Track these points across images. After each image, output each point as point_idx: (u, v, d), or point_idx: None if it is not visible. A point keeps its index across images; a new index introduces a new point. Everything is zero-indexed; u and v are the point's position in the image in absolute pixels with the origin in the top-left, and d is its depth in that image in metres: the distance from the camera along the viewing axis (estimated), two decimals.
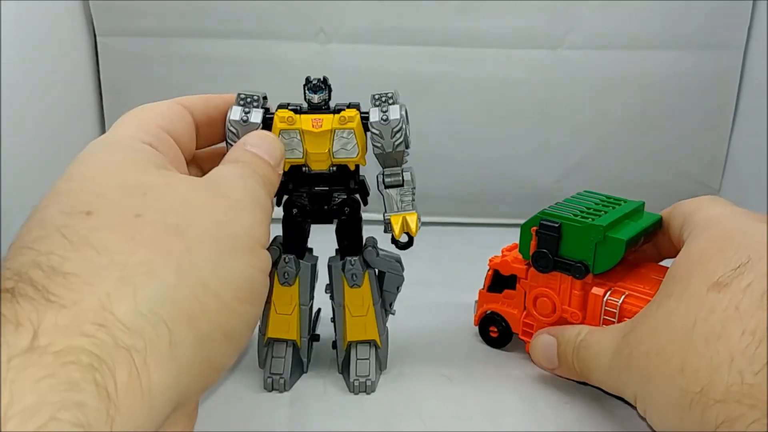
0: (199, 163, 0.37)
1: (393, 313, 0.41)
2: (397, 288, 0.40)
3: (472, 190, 0.66)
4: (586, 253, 0.38)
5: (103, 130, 0.64)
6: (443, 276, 0.53)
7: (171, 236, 0.25)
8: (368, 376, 0.39)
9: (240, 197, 0.29)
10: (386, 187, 0.37)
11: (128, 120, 0.32)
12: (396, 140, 0.35)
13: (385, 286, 0.40)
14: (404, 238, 0.37)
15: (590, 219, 0.38)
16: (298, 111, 0.36)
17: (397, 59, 0.61)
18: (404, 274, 0.39)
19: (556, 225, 0.38)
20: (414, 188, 0.37)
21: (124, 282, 0.23)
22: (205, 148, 0.36)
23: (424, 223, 0.37)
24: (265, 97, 0.37)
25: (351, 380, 0.39)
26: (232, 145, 0.34)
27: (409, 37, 0.61)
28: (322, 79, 0.36)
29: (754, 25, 0.61)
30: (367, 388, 0.39)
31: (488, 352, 0.44)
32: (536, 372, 0.41)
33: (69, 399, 0.19)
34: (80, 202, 0.25)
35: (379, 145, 0.36)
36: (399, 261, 0.39)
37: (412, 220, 0.37)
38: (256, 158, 0.32)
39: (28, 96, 0.52)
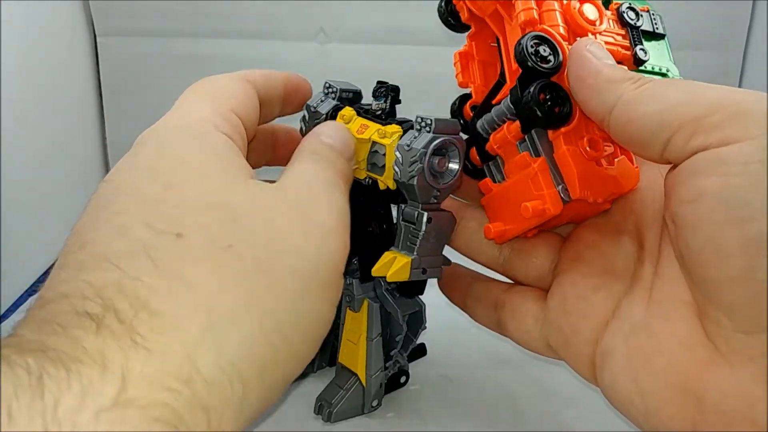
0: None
1: (385, 369, 0.37)
2: (405, 338, 0.36)
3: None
4: None
5: (103, 130, 0.64)
6: None
7: (259, 274, 0.23)
8: (331, 403, 0.36)
9: (327, 218, 0.26)
10: (403, 219, 0.33)
11: (201, 97, 0.29)
12: (411, 171, 0.31)
13: (391, 329, 0.37)
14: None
15: None
16: (359, 113, 0.34)
17: (397, 59, 0.61)
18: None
19: None
20: (424, 233, 0.32)
21: (211, 331, 0.21)
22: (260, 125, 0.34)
23: None
24: (357, 93, 0.35)
25: (316, 397, 0.37)
26: (303, 131, 0.34)
27: (410, 37, 0.61)
28: (389, 87, 0.34)
29: (754, 26, 0.61)
30: (324, 415, 0.36)
31: (488, 352, 0.44)
32: (536, 372, 0.41)
33: None
34: (169, 219, 0.23)
35: (397, 170, 0.31)
36: (419, 308, 0.36)
37: (398, 263, 0.32)
38: (333, 151, 0.30)
39: (28, 96, 0.52)
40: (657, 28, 0.34)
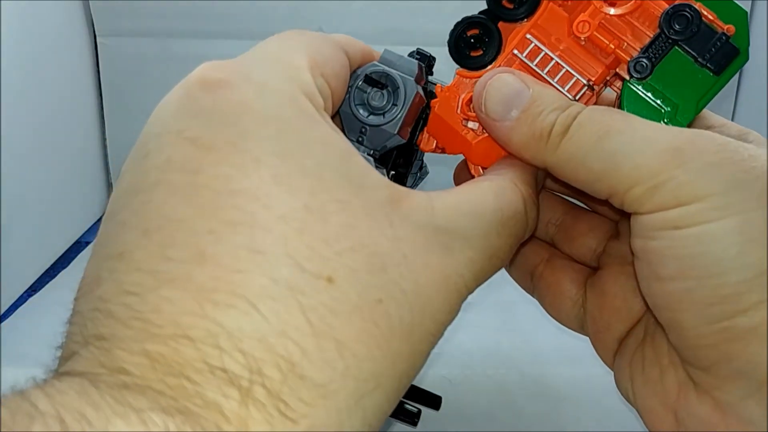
0: None
1: None
2: None
3: None
4: None
5: (103, 131, 0.64)
6: None
7: (403, 337, 0.20)
8: None
9: (465, 283, 0.22)
10: None
11: (297, 52, 0.23)
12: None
13: None
14: None
15: None
16: None
17: None
18: None
19: None
20: None
21: (358, 400, 0.19)
22: None
23: None
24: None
25: None
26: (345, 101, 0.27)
27: (409, 38, 0.61)
28: (422, 57, 0.31)
29: (753, 26, 0.61)
30: None
31: (488, 352, 0.44)
32: (535, 371, 0.41)
33: None
34: (317, 257, 0.19)
35: None
36: None
37: None
38: (536, 212, 0.25)
39: (28, 96, 0.52)
40: (708, 60, 0.26)
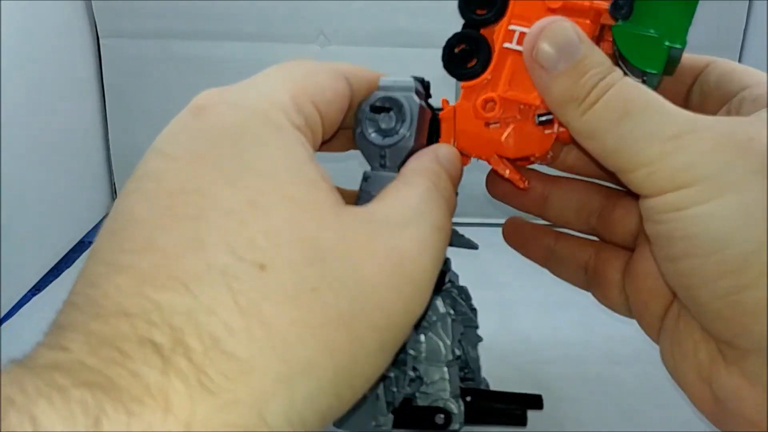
0: None
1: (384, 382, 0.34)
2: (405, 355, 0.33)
3: (471, 190, 0.66)
4: None
5: (106, 132, 0.64)
6: None
7: (340, 326, 0.21)
8: None
9: (422, 275, 0.23)
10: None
11: (283, 79, 0.25)
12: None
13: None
14: None
15: None
16: None
17: (397, 61, 0.61)
18: None
19: None
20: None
21: (284, 382, 0.19)
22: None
23: None
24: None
25: None
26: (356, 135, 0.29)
27: (409, 39, 0.61)
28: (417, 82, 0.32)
29: (750, 26, 0.61)
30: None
31: (488, 352, 0.44)
32: (536, 371, 0.42)
33: None
34: (254, 247, 0.20)
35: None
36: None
37: None
38: (448, 181, 0.27)
39: (30, 97, 0.52)
40: None
